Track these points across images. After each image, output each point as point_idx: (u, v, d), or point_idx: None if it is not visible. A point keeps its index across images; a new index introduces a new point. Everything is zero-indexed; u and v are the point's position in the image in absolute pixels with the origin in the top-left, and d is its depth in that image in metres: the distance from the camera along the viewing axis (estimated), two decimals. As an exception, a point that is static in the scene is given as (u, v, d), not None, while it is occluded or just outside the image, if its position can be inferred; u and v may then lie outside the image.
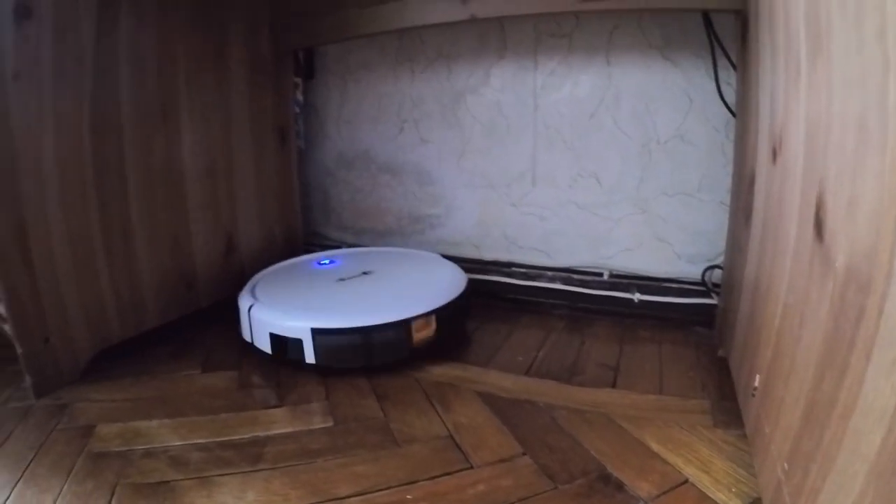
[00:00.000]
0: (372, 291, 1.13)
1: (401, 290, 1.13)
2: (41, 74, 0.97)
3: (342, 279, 1.20)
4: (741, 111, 1.02)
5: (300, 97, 1.58)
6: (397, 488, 0.69)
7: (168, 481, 0.73)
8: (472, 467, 0.72)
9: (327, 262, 1.33)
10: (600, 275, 1.30)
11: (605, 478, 0.69)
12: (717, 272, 1.19)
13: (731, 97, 1.12)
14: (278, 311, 1.04)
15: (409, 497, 0.67)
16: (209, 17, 1.27)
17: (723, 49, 1.10)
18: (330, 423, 0.85)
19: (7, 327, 1.07)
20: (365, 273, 1.23)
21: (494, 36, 1.34)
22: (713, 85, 1.14)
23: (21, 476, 0.76)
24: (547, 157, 1.33)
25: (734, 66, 1.09)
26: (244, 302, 1.09)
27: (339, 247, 1.64)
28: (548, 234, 1.36)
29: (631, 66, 1.23)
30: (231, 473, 0.74)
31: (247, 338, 1.08)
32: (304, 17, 1.40)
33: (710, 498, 0.65)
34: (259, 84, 1.41)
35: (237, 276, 1.36)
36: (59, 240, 1.02)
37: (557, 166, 1.33)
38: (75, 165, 1.04)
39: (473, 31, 1.36)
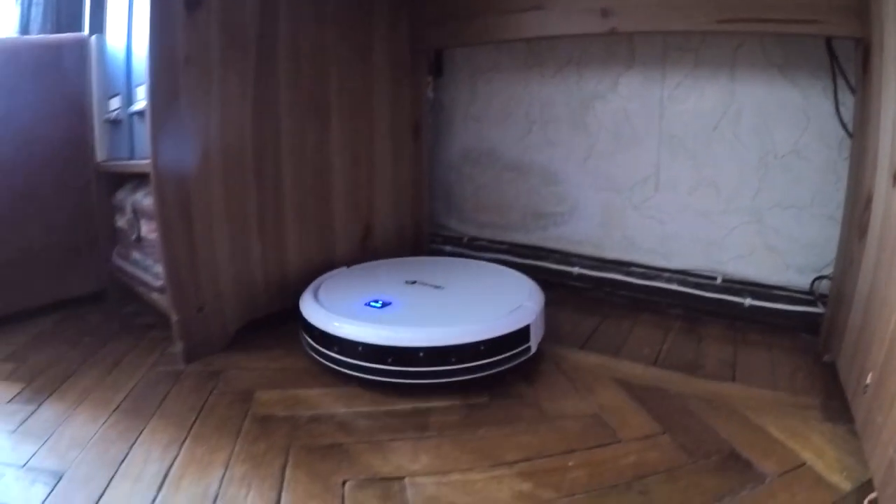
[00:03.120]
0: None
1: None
2: (209, 60, 1.15)
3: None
4: (859, 133, 1.11)
5: (430, 94, 1.75)
6: (558, 456, 0.84)
7: (341, 444, 0.89)
8: (620, 441, 0.88)
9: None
10: (714, 279, 1.43)
11: (735, 456, 0.83)
12: (824, 283, 1.29)
13: (846, 118, 1.22)
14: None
15: (570, 464, 0.82)
16: (357, 20, 1.44)
17: (842, 72, 1.20)
18: (485, 399, 1.01)
19: (158, 296, 1.26)
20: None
21: (624, 47, 1.47)
22: (830, 105, 1.24)
23: (187, 435, 0.92)
24: (670, 164, 1.46)
25: (852, 90, 1.19)
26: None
27: (461, 238, 1.82)
28: (666, 238, 1.48)
29: (752, 82, 1.34)
30: (401, 439, 0.90)
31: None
32: (442, 20, 1.56)
33: (825, 479, 0.78)
34: (397, 82, 1.58)
35: (371, 260, 1.53)
36: (218, 217, 1.20)
37: (679, 173, 1.45)
38: (237, 150, 1.22)
39: (603, 41, 1.49)
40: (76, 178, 1.62)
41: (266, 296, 1.32)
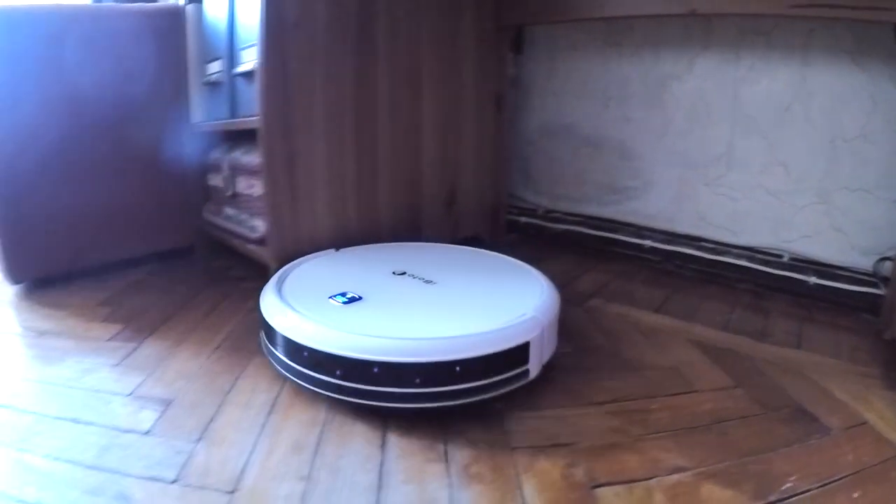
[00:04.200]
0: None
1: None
2: (315, 26, 1.27)
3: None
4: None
5: (511, 70, 1.85)
6: (641, 400, 0.95)
7: None
8: (697, 391, 0.98)
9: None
10: (781, 256, 1.51)
11: (802, 411, 0.93)
12: (887, 265, 1.35)
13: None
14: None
15: (653, 407, 0.93)
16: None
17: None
18: (569, 350, 1.12)
19: (255, 248, 1.38)
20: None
21: (700, 29, 1.54)
22: (898, 92, 1.28)
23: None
24: (742, 143, 1.53)
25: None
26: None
27: (535, 210, 1.92)
28: (736, 214, 1.56)
29: (823, 66, 1.40)
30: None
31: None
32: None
33: (886, 437, 0.86)
34: (482, 57, 1.68)
35: (453, 226, 1.66)
36: (320, 174, 1.34)
37: (751, 153, 1.52)
38: (339, 112, 1.35)
39: (680, 23, 1.57)
40: (171, 138, 1.75)
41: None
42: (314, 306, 1.00)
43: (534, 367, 0.95)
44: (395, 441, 0.85)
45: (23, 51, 1.49)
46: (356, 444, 0.84)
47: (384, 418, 0.90)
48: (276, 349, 0.97)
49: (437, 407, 0.87)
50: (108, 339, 1.20)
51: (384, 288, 1.10)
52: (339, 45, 1.33)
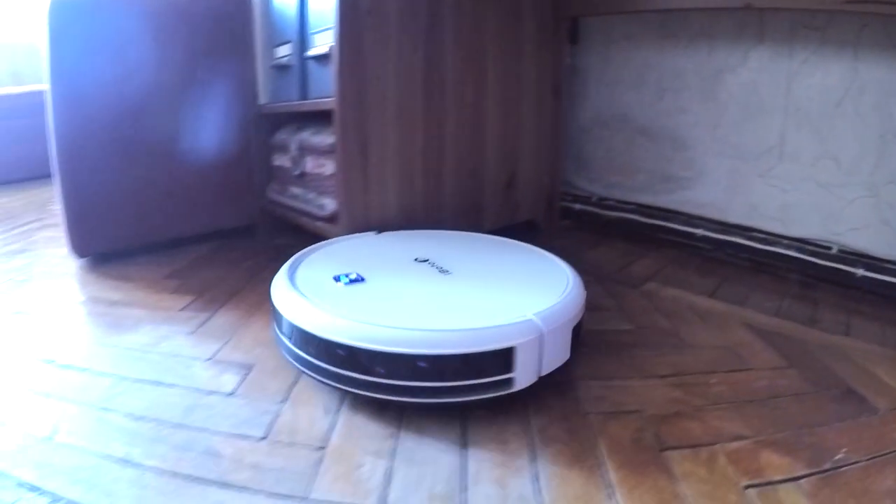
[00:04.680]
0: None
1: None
2: (388, 12, 1.35)
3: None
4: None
5: (567, 59, 1.92)
6: (700, 374, 1.03)
7: None
8: (752, 369, 1.05)
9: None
10: (830, 248, 1.56)
11: (851, 391, 0.99)
12: None
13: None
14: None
15: (712, 381, 1.01)
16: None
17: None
18: (630, 327, 1.20)
19: (323, 225, 1.46)
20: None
21: (753, 23, 1.59)
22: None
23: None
24: (794, 136, 1.58)
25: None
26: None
27: (589, 198, 1.99)
28: (787, 206, 1.61)
29: (875, 62, 1.44)
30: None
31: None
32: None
33: None
34: (541, 46, 1.75)
35: (512, 210, 1.74)
36: (391, 154, 1.42)
37: (802, 145, 1.57)
38: (410, 95, 1.43)
39: (734, 16, 1.62)
40: (237, 119, 1.85)
41: (421, 228, 1.52)
42: (313, 285, 1.04)
43: (524, 377, 0.88)
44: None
45: (92, 33, 1.58)
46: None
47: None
48: (277, 324, 1.01)
49: (402, 402, 0.87)
50: (181, 310, 1.29)
51: (395, 273, 1.10)
52: (410, 32, 1.42)
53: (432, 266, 1.13)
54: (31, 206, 2.70)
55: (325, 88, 1.48)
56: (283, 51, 1.73)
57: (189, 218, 1.82)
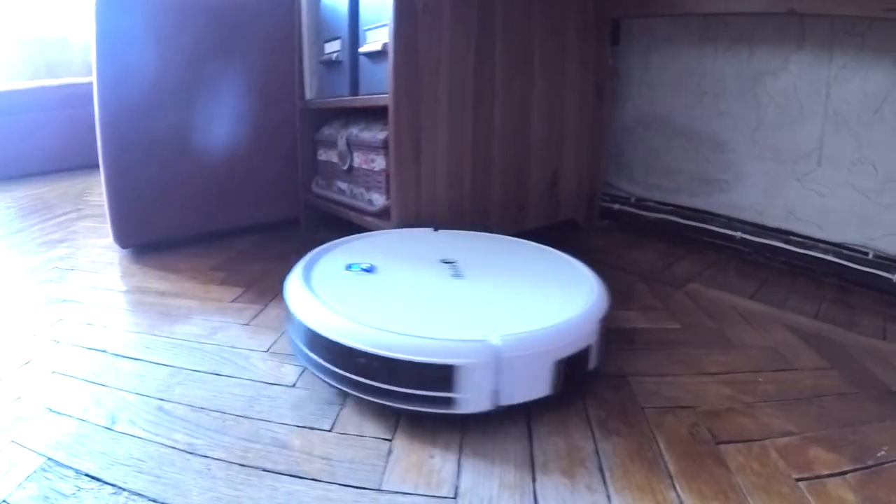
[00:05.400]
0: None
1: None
2: (441, 13, 1.42)
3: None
4: None
5: (608, 60, 1.98)
6: (748, 373, 1.09)
7: None
8: (796, 369, 1.11)
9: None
10: (866, 253, 1.61)
11: (891, 393, 1.04)
12: None
13: None
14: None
15: (759, 379, 1.07)
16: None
17: None
18: (678, 326, 1.27)
19: (372, 220, 1.53)
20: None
21: (794, 28, 1.64)
22: None
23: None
24: (833, 140, 1.63)
25: None
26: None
27: (628, 198, 2.05)
28: (824, 210, 1.66)
29: None
30: (615, 349, 1.17)
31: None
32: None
33: None
34: (585, 47, 1.81)
35: (554, 209, 1.80)
36: (441, 150, 1.49)
37: (841, 150, 1.61)
38: (461, 92, 1.50)
39: (775, 20, 1.67)
40: (283, 113, 1.92)
41: (470, 226, 1.57)
42: (323, 271, 1.13)
43: (471, 401, 0.86)
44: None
45: (139, 27, 1.66)
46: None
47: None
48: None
49: (342, 390, 0.93)
50: (232, 301, 1.35)
51: (408, 271, 1.14)
52: (462, 32, 1.48)
53: (452, 268, 1.15)
54: (66, 196, 2.77)
55: (378, 85, 1.55)
56: (333, 46, 1.79)
57: (233, 211, 1.89)
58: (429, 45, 1.43)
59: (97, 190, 2.88)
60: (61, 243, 1.90)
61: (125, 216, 1.73)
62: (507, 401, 0.87)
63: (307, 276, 1.09)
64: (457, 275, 1.12)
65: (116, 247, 1.76)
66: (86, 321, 1.27)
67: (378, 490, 0.79)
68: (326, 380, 0.94)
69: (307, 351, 0.96)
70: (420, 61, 1.43)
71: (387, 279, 1.10)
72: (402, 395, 0.87)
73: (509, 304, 1.00)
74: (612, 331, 1.20)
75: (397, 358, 0.85)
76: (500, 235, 1.40)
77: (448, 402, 0.86)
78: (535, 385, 0.89)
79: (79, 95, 3.57)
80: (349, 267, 1.13)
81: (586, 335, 0.93)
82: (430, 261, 1.19)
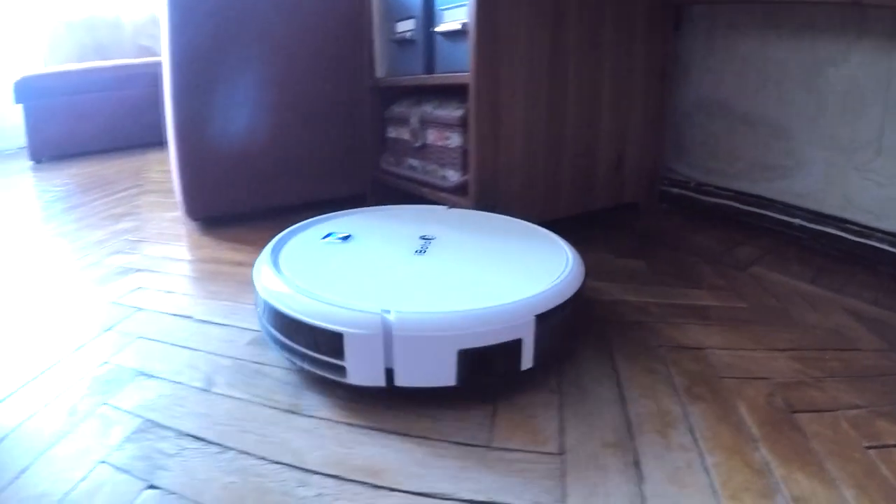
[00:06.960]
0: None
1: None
2: None
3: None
4: None
5: (670, 45, 2.07)
6: (815, 351, 1.19)
7: (642, 322, 1.28)
8: (859, 350, 1.21)
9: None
10: (921, 243, 1.71)
11: (949, 377, 1.18)
12: None
13: None
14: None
15: (826, 357, 1.18)
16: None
17: None
18: (745, 305, 1.38)
19: (447, 196, 1.62)
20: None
21: (856, 18, 1.71)
22: None
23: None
24: (892, 131, 1.69)
25: None
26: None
27: (688, 183, 2.15)
28: (882, 200, 1.74)
29: None
30: (690, 323, 1.28)
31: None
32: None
33: None
34: (650, 31, 1.89)
35: (618, 190, 1.90)
36: (518, 129, 1.59)
37: (900, 142, 1.70)
38: (537, 73, 1.59)
39: (839, 10, 1.74)
40: (351, 92, 2.02)
41: (542, 204, 1.71)
42: (305, 239, 1.25)
43: (358, 372, 0.91)
44: (622, 363, 1.13)
45: (213, 6, 1.75)
46: (589, 363, 1.13)
47: (608, 340, 1.18)
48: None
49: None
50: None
51: (379, 243, 1.22)
52: (539, 14, 1.57)
53: (424, 244, 1.20)
54: (124, 173, 2.89)
55: (455, 63, 1.65)
56: (406, 25, 1.88)
57: (301, 185, 2.00)
58: (508, 26, 1.52)
59: (156, 167, 3.02)
60: (126, 216, 2.00)
61: (197, 189, 1.84)
62: (403, 382, 0.89)
63: (283, 242, 1.21)
64: (421, 251, 1.16)
65: (182, 221, 1.85)
66: (164, 289, 1.36)
67: (488, 447, 0.89)
68: (262, 332, 1.04)
69: (257, 306, 1.05)
70: (499, 42, 1.52)
71: (350, 249, 1.17)
72: (302, 354, 0.94)
73: (451, 286, 1.01)
74: (613, 323, 1.32)
75: (299, 319, 0.91)
76: (510, 217, 1.44)
77: (339, 369, 0.90)
78: (435, 372, 0.90)
79: (129, 77, 3.71)
80: (327, 235, 1.21)
81: (510, 328, 0.91)
82: (407, 236, 1.24)
